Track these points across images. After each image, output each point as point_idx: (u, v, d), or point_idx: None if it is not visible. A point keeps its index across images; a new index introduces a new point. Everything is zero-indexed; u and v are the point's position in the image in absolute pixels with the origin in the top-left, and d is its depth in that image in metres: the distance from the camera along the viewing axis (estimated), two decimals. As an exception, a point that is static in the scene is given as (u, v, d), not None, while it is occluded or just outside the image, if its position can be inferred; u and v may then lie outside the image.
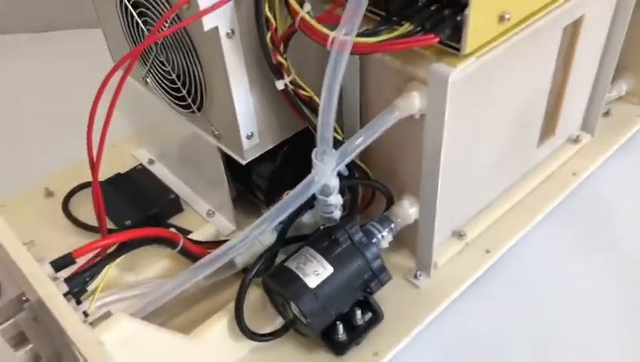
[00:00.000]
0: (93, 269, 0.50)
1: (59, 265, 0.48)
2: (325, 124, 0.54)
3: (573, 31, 0.66)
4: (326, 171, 0.54)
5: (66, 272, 0.50)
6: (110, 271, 0.54)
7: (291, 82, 0.57)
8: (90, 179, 0.79)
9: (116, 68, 0.52)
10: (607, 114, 0.85)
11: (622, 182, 0.79)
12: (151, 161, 0.84)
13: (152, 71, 0.67)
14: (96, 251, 0.53)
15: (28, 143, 0.97)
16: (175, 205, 0.77)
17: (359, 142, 0.54)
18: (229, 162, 0.69)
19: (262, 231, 0.55)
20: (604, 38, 0.72)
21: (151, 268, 0.63)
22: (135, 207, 0.74)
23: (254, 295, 0.61)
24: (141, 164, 0.82)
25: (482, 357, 0.63)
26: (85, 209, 0.79)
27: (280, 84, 0.56)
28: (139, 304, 0.54)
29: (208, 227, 0.70)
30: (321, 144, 0.55)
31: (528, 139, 0.72)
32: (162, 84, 0.67)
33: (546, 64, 0.65)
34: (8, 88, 1.09)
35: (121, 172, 0.81)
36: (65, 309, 0.40)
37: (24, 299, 0.43)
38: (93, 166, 0.53)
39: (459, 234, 0.69)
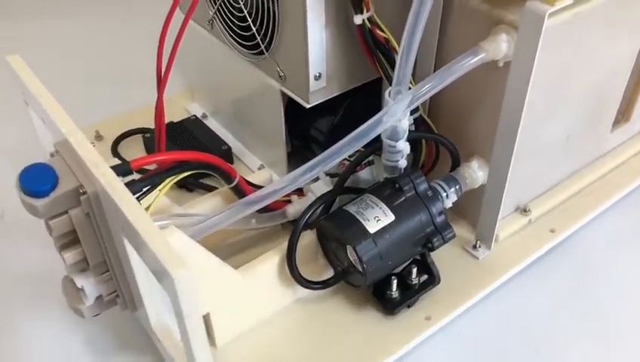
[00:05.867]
0: (150, 179, 0.48)
1: (116, 171, 0.46)
2: (404, 62, 0.51)
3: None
4: (397, 111, 0.51)
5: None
6: (163, 193, 0.51)
7: (369, 19, 0.54)
8: (140, 126, 0.80)
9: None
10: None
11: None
12: (204, 116, 0.83)
13: (220, 10, 0.66)
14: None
15: (84, 92, 0.96)
16: (227, 156, 0.75)
17: (436, 82, 0.51)
18: (286, 115, 0.67)
19: (318, 172, 0.52)
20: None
21: (199, 205, 0.60)
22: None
23: (305, 245, 0.58)
24: (195, 116, 0.81)
25: (536, 337, 0.58)
26: (133, 154, 0.77)
27: (358, 19, 0.54)
28: (189, 230, 0.52)
29: (264, 172, 0.68)
30: (396, 84, 0.52)
31: (603, 119, 0.68)
32: (230, 23, 0.65)
33: (635, 35, 0.62)
34: (67, 45, 1.10)
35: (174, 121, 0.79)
36: (128, 198, 0.38)
37: (82, 191, 0.41)
38: (160, 81, 0.51)
39: (523, 210, 0.65)
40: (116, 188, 0.38)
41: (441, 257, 0.59)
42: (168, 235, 0.44)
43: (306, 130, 0.69)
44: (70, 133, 0.43)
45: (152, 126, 0.70)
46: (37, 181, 0.41)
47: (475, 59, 0.51)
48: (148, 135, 0.77)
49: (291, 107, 0.65)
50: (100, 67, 1.03)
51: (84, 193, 0.41)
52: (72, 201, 0.42)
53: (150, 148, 0.78)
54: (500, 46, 0.50)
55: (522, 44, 0.49)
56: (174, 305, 0.35)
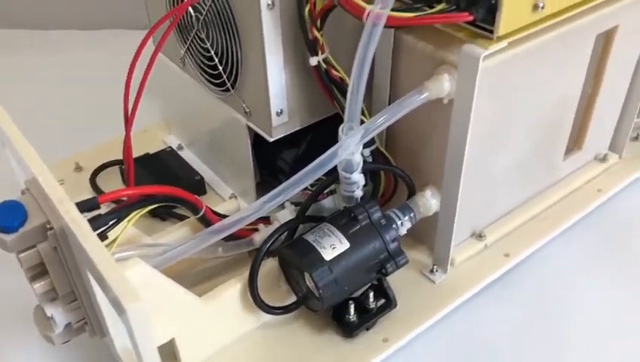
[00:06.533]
0: (117, 213, 0.51)
1: (83, 207, 0.50)
2: (354, 100, 0.55)
3: (606, 41, 0.67)
4: (350, 145, 0.55)
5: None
6: (130, 225, 0.54)
7: (324, 60, 0.58)
8: (119, 157, 0.83)
9: (157, 26, 0.54)
10: (637, 138, 0.85)
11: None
12: (180, 147, 0.86)
13: (190, 49, 0.70)
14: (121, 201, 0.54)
15: (62, 127, 0.99)
16: (199, 187, 0.78)
17: (385, 119, 0.54)
18: (255, 148, 0.71)
19: (279, 201, 0.56)
20: (638, 56, 0.73)
21: (169, 235, 0.63)
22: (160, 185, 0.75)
23: (268, 272, 0.61)
24: (170, 147, 0.84)
25: (492, 358, 0.61)
26: (113, 185, 0.80)
27: (314, 60, 0.58)
28: (153, 260, 0.55)
29: (231, 203, 0.71)
30: (348, 120, 0.56)
31: (554, 148, 0.72)
32: (199, 62, 0.69)
33: (577, 71, 0.66)
34: (52, 78, 1.13)
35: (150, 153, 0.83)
36: (89, 234, 0.41)
37: (49, 226, 0.45)
38: (127, 119, 0.55)
39: (479, 235, 0.69)
40: (79, 224, 0.41)
41: (400, 281, 0.63)
42: (131, 267, 0.47)
43: (273, 161, 0.73)
44: (39, 172, 0.46)
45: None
46: (7, 217, 0.45)
47: (420, 98, 0.55)
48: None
49: (259, 139, 0.69)
50: (83, 97, 1.06)
51: (51, 228, 0.44)
52: (40, 236, 0.45)
53: (127, 179, 0.81)
54: (443, 85, 0.54)
55: (461, 84, 0.53)
56: (130, 336, 0.38)
